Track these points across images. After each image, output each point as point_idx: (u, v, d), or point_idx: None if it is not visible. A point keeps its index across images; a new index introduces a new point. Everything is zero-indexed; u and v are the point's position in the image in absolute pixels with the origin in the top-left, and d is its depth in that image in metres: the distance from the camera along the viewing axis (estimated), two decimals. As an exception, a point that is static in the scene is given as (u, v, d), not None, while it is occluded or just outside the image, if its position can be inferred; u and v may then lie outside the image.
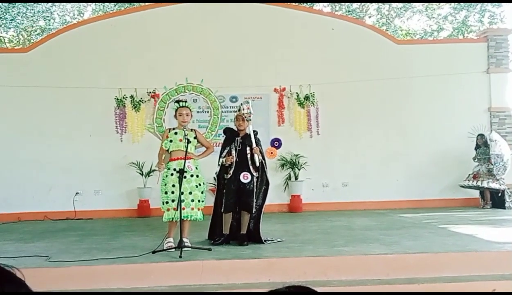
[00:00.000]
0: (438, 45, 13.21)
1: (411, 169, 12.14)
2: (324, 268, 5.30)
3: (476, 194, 11.89)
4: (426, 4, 21.77)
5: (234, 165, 6.73)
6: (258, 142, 6.81)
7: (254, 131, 6.82)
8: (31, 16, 19.61)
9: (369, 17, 22.52)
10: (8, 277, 1.13)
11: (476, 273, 5.16)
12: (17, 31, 20.21)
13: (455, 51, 12.60)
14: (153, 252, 5.81)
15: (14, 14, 18.49)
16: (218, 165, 6.83)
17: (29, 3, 18.63)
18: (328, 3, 21.36)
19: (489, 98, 12.43)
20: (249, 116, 6.85)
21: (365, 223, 8.95)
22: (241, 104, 7.05)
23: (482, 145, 11.64)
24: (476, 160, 11.70)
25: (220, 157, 6.86)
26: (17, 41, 20.49)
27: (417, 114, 12.24)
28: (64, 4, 21.17)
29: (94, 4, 21.81)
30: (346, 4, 21.34)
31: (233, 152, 6.77)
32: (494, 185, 11.28)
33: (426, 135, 12.20)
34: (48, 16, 20.53)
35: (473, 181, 11.47)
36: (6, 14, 18.15)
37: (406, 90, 12.27)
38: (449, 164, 12.05)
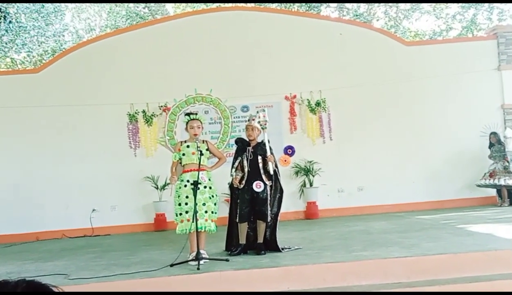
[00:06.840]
0: (448, 45, 13.13)
1: (427, 170, 12.07)
2: (343, 274, 5.25)
3: (493, 192, 11.80)
4: (434, 4, 21.70)
5: (246, 175, 6.72)
6: (271, 151, 6.80)
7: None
8: (43, 42, 19.73)
9: (377, 20, 22.50)
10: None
11: (496, 272, 5.09)
12: (29, 54, 20.36)
13: (465, 50, 12.54)
14: (171, 265, 5.81)
15: (25, 38, 18.59)
16: (231, 175, 6.82)
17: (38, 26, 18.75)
18: (335, 7, 21.36)
19: (502, 95, 12.34)
20: (265, 124, 6.84)
21: (383, 226, 8.89)
22: (257, 112, 7.05)
23: (496, 143, 11.57)
24: (491, 158, 11.61)
25: (232, 167, 6.86)
26: (29, 63, 20.67)
27: (430, 115, 12.18)
28: (76, 25, 21.45)
29: (103, 20, 22.03)
30: (354, 8, 21.34)
31: (245, 165, 6.75)
32: (511, 182, 11.17)
33: (440, 136, 12.13)
34: (59, 40, 20.70)
35: (489, 179, 11.37)
36: (16, 38, 18.26)
37: (418, 91, 12.22)
38: (464, 163, 11.97)
